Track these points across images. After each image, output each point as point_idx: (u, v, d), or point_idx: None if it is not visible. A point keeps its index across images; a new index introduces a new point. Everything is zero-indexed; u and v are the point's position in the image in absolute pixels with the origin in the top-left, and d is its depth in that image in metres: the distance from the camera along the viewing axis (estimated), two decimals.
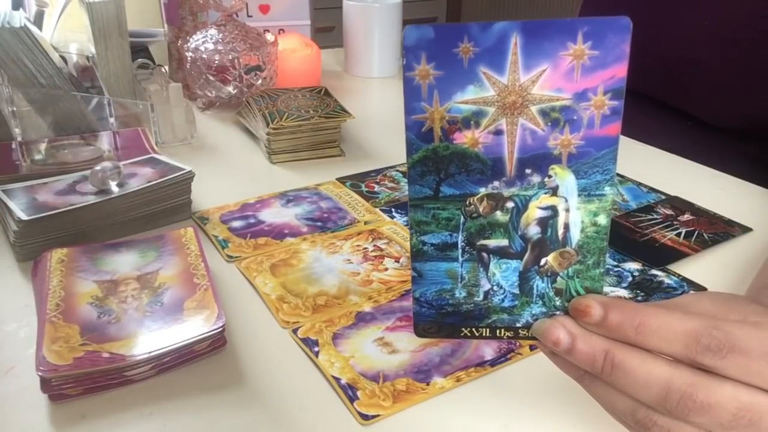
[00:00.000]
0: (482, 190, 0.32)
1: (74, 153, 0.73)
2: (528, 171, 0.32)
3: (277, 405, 0.43)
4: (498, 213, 0.33)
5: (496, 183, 0.32)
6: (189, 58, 0.93)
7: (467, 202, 0.33)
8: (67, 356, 0.42)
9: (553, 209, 0.32)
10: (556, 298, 0.34)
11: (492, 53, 0.29)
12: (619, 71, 0.29)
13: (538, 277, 0.34)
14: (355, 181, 0.75)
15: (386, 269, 0.57)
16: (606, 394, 0.32)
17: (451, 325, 0.35)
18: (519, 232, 0.33)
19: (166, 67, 1.00)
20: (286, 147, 0.80)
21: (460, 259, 0.34)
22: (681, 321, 0.30)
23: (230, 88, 0.94)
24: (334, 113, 0.81)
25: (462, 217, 0.33)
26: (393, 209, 0.68)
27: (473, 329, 0.35)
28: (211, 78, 0.93)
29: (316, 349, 0.47)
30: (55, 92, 0.77)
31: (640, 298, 0.53)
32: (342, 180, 0.75)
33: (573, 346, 0.32)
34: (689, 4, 0.86)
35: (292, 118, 0.79)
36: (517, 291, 0.34)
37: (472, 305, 0.35)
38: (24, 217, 0.55)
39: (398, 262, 0.58)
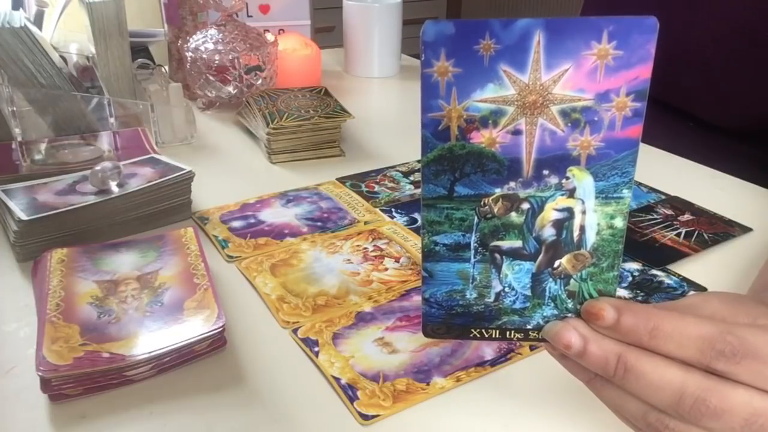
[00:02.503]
0: (498, 191, 0.32)
1: (74, 153, 0.73)
2: (545, 172, 0.31)
3: (277, 405, 0.43)
4: (513, 214, 0.32)
5: (512, 183, 0.31)
6: (189, 58, 0.93)
7: (482, 203, 0.32)
8: (67, 356, 0.42)
9: (570, 211, 0.32)
10: (569, 301, 0.33)
11: (513, 51, 0.29)
12: (643, 72, 0.29)
13: (551, 279, 0.33)
14: (355, 181, 0.74)
15: (386, 269, 0.57)
16: (617, 398, 0.32)
17: (461, 326, 0.35)
18: (533, 234, 0.33)
19: (166, 67, 1.00)
20: (286, 147, 0.80)
21: (473, 260, 0.33)
22: (695, 325, 0.30)
23: (230, 88, 0.94)
24: (334, 113, 0.81)
25: (476, 218, 0.32)
26: (393, 209, 0.68)
27: (482, 330, 0.35)
28: (211, 78, 0.93)
29: (316, 349, 0.47)
30: (55, 92, 0.77)
31: (640, 298, 0.53)
32: (342, 180, 0.75)
33: (585, 350, 0.31)
34: (691, 4, 0.86)
35: (292, 118, 0.79)
36: (529, 293, 0.34)
37: (483, 306, 0.34)
38: (24, 217, 0.55)
39: (398, 262, 0.58)
